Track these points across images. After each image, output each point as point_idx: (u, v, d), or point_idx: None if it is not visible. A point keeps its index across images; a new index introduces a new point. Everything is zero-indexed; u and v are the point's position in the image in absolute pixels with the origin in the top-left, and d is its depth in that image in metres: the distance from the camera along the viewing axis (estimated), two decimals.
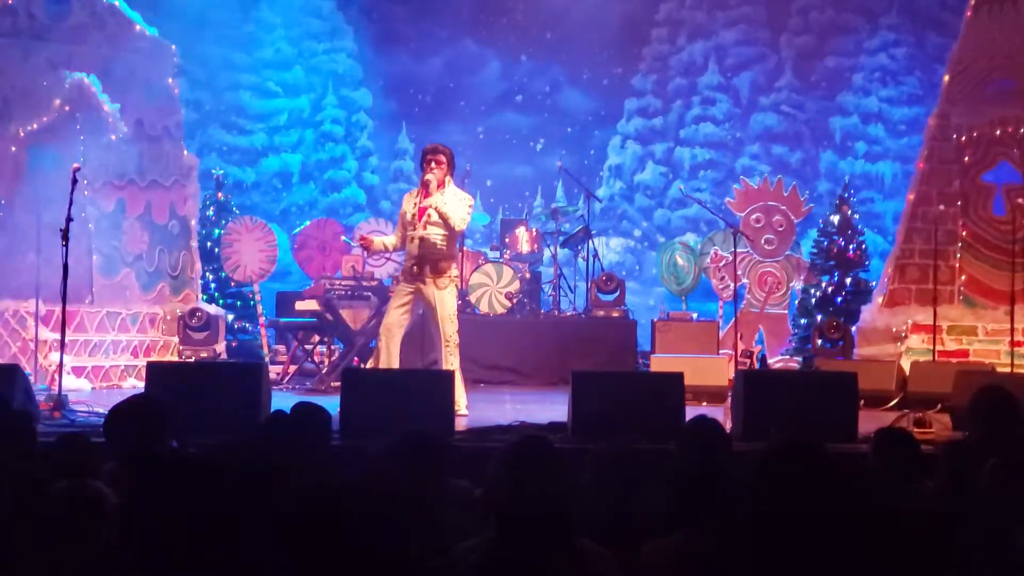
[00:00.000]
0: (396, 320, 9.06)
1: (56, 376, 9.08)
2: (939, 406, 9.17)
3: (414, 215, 9.01)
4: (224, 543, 3.35)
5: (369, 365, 9.27)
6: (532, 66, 20.13)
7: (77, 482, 3.51)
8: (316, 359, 12.11)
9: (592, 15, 19.73)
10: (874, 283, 14.13)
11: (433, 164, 8.99)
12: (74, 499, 3.43)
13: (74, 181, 9.09)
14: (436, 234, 8.99)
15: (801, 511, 3.66)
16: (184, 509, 3.30)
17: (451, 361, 8.91)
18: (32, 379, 9.69)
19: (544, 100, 20.12)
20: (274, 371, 11.55)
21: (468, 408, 8.94)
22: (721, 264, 14.06)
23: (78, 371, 10.82)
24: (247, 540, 3.45)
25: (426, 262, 8.98)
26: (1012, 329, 11.07)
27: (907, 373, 10.49)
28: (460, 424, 8.17)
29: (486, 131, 19.84)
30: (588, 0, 19.78)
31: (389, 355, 8.98)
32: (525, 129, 20.00)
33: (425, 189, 9.00)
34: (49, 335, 10.47)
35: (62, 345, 9.00)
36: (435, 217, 8.94)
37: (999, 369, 10.67)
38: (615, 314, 12.96)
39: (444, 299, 9.01)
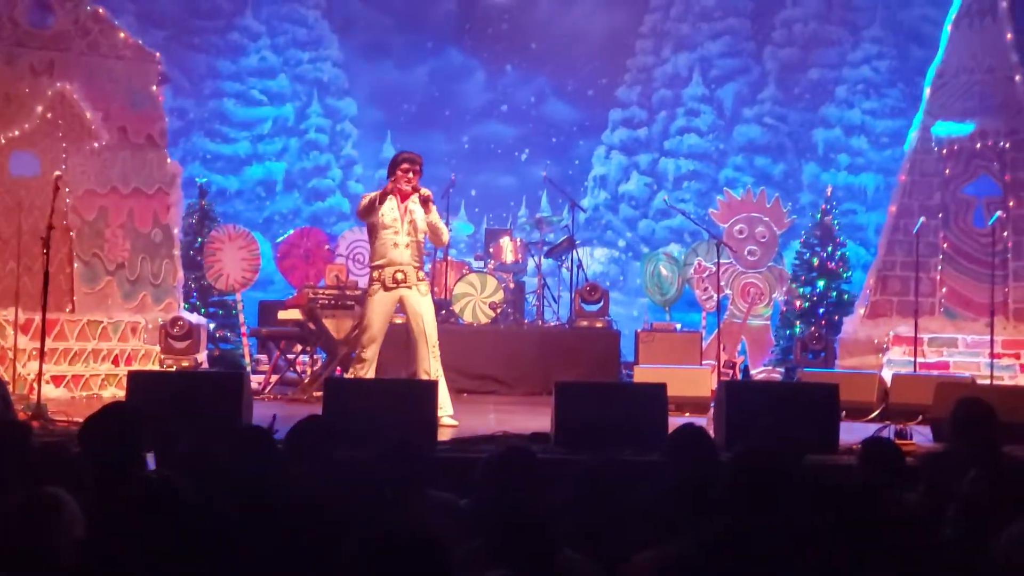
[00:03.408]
0: (382, 330, 9.03)
1: (35, 385, 9.04)
2: (920, 418, 9.21)
3: (395, 219, 8.96)
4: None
5: (350, 375, 9.22)
6: (517, 76, 20.16)
7: (34, 490, 3.47)
8: (298, 368, 12.08)
9: (577, 26, 19.80)
10: (856, 295, 14.18)
11: (411, 174, 8.96)
12: (29, 508, 3.39)
13: (56, 189, 9.06)
14: (422, 239, 9.03)
15: (769, 518, 3.66)
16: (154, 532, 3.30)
17: (435, 367, 8.88)
18: (10, 388, 9.65)
19: (529, 110, 20.15)
20: (256, 380, 11.51)
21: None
22: (704, 275, 14.07)
23: (57, 380, 10.75)
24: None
25: (413, 269, 8.95)
26: (992, 341, 11.12)
27: (888, 385, 10.52)
28: (445, 434, 8.16)
29: (471, 141, 19.86)
30: (573, 11, 19.86)
31: (372, 367, 8.98)
32: (510, 139, 20.02)
33: (401, 196, 8.97)
34: (28, 343, 10.41)
35: (41, 354, 8.96)
36: (422, 225, 8.95)
37: (979, 381, 10.70)
38: (599, 324, 12.96)
39: (429, 306, 9.02)
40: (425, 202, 8.92)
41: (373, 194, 9.05)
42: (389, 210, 8.93)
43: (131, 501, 3.40)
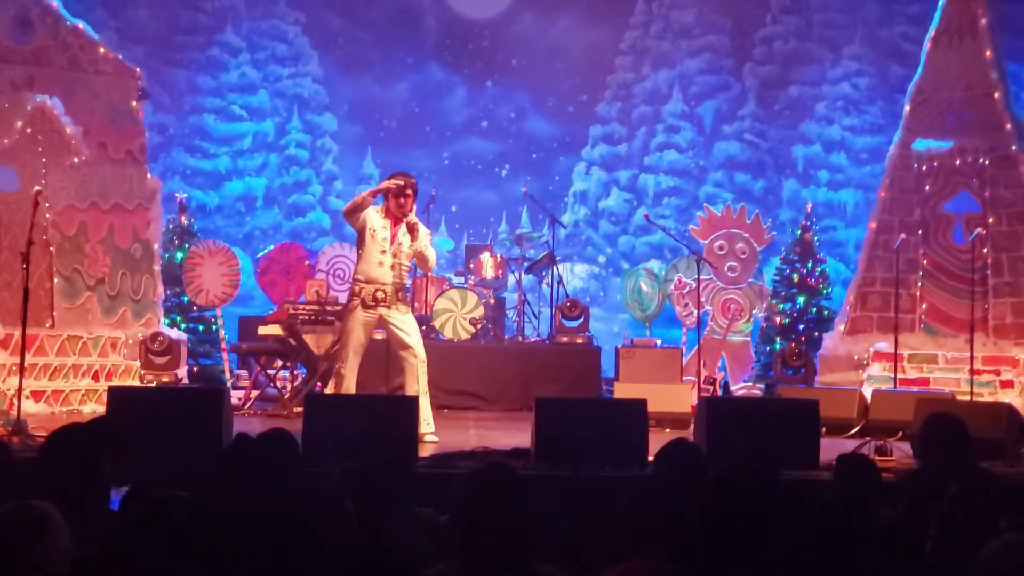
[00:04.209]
0: (362, 346, 9.01)
1: (15, 400, 8.99)
2: (900, 434, 9.24)
3: (385, 239, 8.93)
4: None
5: (329, 390, 9.20)
6: (497, 92, 20.18)
7: (19, 503, 3.45)
8: (279, 384, 12.04)
9: (557, 43, 19.84)
10: (836, 311, 14.22)
11: (402, 198, 8.91)
12: (11, 521, 3.38)
13: (36, 204, 9.03)
14: (407, 264, 9.03)
15: (751, 534, 3.67)
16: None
17: (423, 382, 8.88)
18: None
19: (509, 126, 20.16)
20: (236, 396, 11.47)
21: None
22: (685, 291, 14.10)
23: (37, 395, 10.70)
24: None
25: (396, 289, 8.93)
26: (972, 357, 11.17)
27: (868, 401, 10.56)
28: (426, 450, 8.15)
29: (451, 157, 19.86)
30: (554, 28, 19.90)
31: (351, 382, 8.95)
32: (490, 155, 20.02)
33: (394, 219, 8.94)
34: (8, 359, 10.36)
35: (21, 369, 8.93)
36: (408, 251, 8.93)
37: (959, 397, 10.75)
38: (579, 340, 12.97)
39: (412, 322, 9.02)
40: (411, 230, 8.89)
41: (365, 192, 8.99)
42: (381, 227, 8.90)
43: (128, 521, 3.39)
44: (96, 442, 4.63)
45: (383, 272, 8.86)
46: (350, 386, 8.92)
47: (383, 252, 8.87)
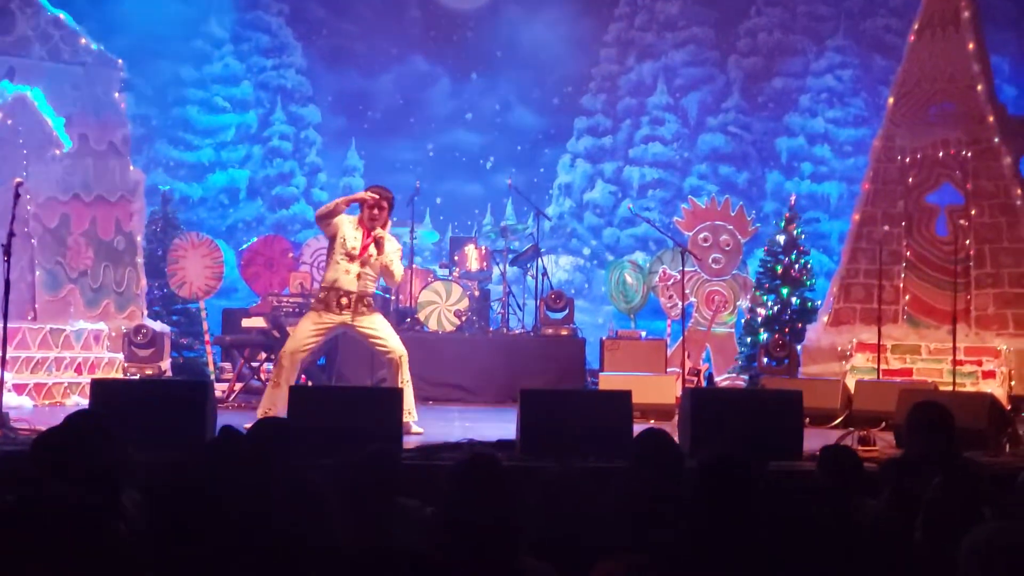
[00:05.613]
0: (307, 347, 8.83)
1: None
2: (883, 424, 9.28)
3: (355, 248, 8.84)
4: None
5: (261, 410, 8.79)
6: (482, 84, 20.19)
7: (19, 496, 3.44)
8: (262, 377, 12.01)
9: (542, 34, 19.85)
10: (819, 302, 14.26)
11: (376, 210, 8.86)
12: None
13: (16, 196, 8.98)
14: (374, 275, 8.92)
15: (735, 524, 3.67)
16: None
17: (406, 374, 8.83)
18: None
19: (494, 118, 20.18)
20: (219, 389, 11.44)
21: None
22: (669, 283, 14.12)
23: (19, 388, 10.64)
24: None
25: (359, 298, 8.85)
26: (954, 348, 11.20)
27: (852, 392, 10.58)
28: (411, 442, 8.13)
29: (436, 148, 19.86)
30: (538, 20, 19.90)
31: (294, 376, 8.81)
32: (475, 147, 20.05)
33: (366, 230, 8.87)
34: None
35: (3, 362, 8.86)
36: (375, 261, 8.84)
37: (941, 387, 10.78)
38: (564, 332, 12.97)
39: (379, 320, 8.92)
40: (378, 244, 8.83)
41: (340, 200, 8.95)
42: (351, 236, 8.83)
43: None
44: (84, 440, 4.61)
45: (348, 280, 8.78)
46: (290, 379, 8.64)
47: (351, 261, 8.79)
